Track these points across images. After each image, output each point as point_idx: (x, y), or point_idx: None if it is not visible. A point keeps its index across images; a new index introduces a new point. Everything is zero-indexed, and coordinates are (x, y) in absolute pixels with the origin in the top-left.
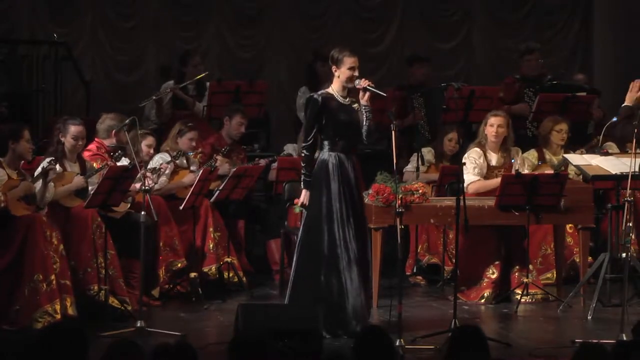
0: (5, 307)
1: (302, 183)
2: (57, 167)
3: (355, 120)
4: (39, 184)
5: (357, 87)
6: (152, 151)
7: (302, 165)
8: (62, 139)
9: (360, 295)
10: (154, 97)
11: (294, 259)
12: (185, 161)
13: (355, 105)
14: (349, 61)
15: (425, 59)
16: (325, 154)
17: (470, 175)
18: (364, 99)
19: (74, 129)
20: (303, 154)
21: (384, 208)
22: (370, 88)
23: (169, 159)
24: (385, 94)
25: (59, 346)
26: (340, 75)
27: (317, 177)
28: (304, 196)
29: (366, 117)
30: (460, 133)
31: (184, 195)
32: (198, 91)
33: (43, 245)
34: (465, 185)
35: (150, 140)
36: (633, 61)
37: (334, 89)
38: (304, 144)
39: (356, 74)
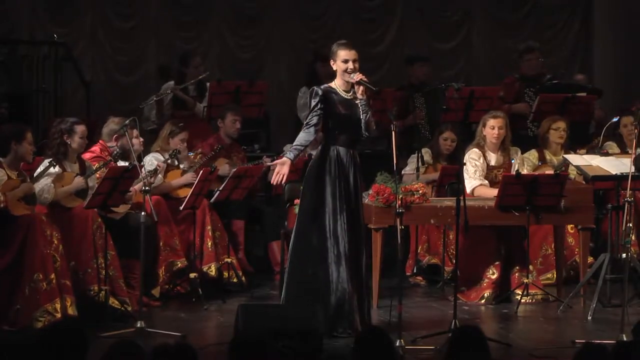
0: (5, 307)
1: (286, 154)
2: (57, 168)
3: (357, 115)
4: (39, 184)
5: (351, 80)
6: (141, 139)
7: (295, 140)
8: (68, 141)
9: (346, 290)
10: (155, 98)
11: (289, 253)
12: (176, 161)
13: (358, 101)
14: (342, 54)
15: (426, 59)
16: (325, 147)
17: (473, 180)
18: (358, 92)
19: (80, 129)
20: (300, 134)
21: (384, 208)
22: (363, 81)
23: (162, 158)
24: (374, 88)
25: (59, 346)
26: (337, 68)
27: (313, 171)
28: (278, 160)
29: (362, 110)
30: (455, 132)
31: (177, 195)
32: (198, 92)
33: (43, 244)
34: (469, 190)
35: (135, 131)
36: (633, 61)
37: (337, 83)
38: (304, 125)
39: (351, 66)
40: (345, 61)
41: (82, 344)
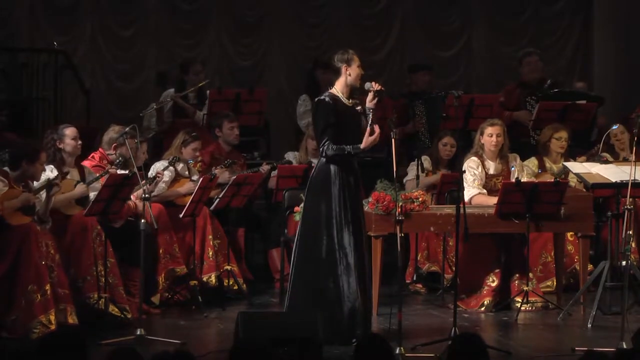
0: (3, 315)
1: (354, 150)
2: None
3: (357, 123)
4: (41, 196)
5: (369, 89)
6: (146, 156)
7: (338, 150)
8: (60, 146)
9: (357, 300)
10: (155, 106)
11: (292, 264)
12: (187, 172)
13: (359, 108)
14: (357, 59)
15: (428, 67)
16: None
17: (471, 189)
18: (372, 102)
19: (69, 131)
20: (331, 146)
21: (384, 216)
22: (383, 91)
23: (171, 167)
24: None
25: (59, 354)
26: (352, 73)
27: (318, 181)
28: (368, 136)
29: (372, 119)
30: (455, 137)
31: (183, 203)
32: (199, 99)
33: (37, 255)
34: (467, 198)
35: (144, 146)
36: (633, 68)
37: (338, 89)
38: (325, 143)
39: (363, 72)
40: (360, 66)
41: (81, 351)
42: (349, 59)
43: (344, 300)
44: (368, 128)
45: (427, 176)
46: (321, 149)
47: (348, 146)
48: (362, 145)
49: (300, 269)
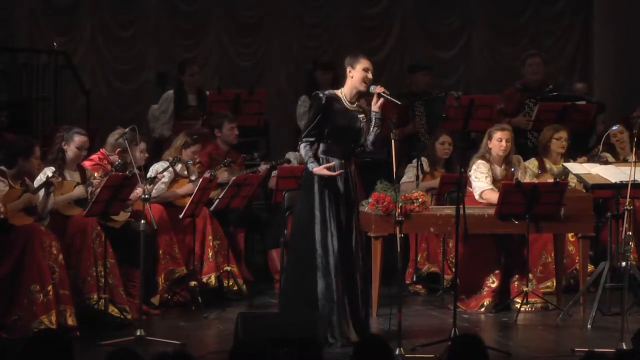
0: (4, 315)
1: (309, 167)
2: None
3: (355, 128)
4: (40, 195)
5: (372, 91)
6: (146, 155)
7: (303, 154)
8: (65, 147)
9: (334, 300)
10: (162, 119)
11: (284, 263)
12: (186, 172)
13: (362, 116)
14: (363, 62)
15: (428, 67)
16: (317, 157)
17: (483, 183)
18: (376, 105)
19: (79, 139)
20: (302, 145)
21: (383, 217)
22: (385, 95)
23: (170, 168)
24: (399, 102)
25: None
26: (354, 75)
27: (305, 181)
28: (321, 169)
29: (375, 124)
30: (451, 135)
31: (183, 204)
32: (199, 101)
33: (41, 255)
34: (478, 192)
35: (142, 145)
36: (633, 69)
37: (343, 91)
38: (303, 137)
39: (370, 76)
40: (366, 70)
41: (67, 354)
42: (354, 61)
43: (320, 299)
44: (332, 162)
45: (425, 178)
46: (299, 143)
47: (310, 158)
48: (314, 170)
49: (289, 268)
